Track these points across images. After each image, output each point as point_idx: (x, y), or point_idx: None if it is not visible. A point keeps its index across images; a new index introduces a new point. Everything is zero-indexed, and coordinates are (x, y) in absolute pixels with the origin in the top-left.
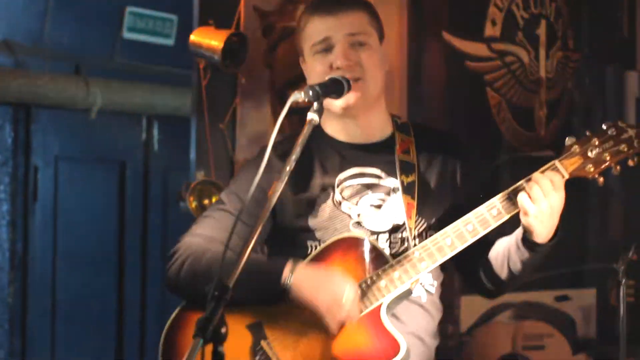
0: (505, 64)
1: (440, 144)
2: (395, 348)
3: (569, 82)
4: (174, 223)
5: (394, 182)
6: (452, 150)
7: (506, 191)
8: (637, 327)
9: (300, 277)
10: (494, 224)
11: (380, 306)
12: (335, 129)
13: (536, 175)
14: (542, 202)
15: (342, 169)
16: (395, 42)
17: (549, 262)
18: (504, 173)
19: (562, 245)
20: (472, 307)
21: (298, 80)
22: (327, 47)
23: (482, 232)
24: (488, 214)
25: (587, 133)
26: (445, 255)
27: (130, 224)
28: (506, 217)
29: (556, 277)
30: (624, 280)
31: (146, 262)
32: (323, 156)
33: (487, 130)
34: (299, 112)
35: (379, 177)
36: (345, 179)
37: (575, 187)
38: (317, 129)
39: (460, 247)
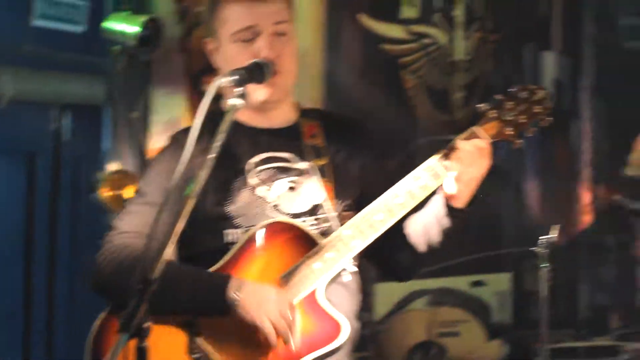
0: (422, 46)
1: (345, 130)
2: (337, 330)
3: (486, 63)
4: (85, 215)
5: (305, 165)
6: (359, 136)
7: (429, 161)
8: (554, 312)
9: (245, 296)
10: (422, 195)
11: (315, 290)
12: (242, 114)
13: (463, 142)
14: (474, 168)
15: (253, 154)
16: (311, 25)
17: (464, 247)
18: (420, 157)
19: (477, 230)
20: (387, 294)
21: (213, 67)
22: (251, 36)
23: (411, 205)
24: (415, 185)
25: (499, 97)
26: (377, 231)
27: (40, 216)
28: (434, 187)
29: (472, 263)
30: (545, 264)
31: (55, 254)
32: (233, 141)
33: (403, 114)
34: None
35: (290, 160)
36: (258, 164)
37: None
38: (223, 114)
39: (391, 221)
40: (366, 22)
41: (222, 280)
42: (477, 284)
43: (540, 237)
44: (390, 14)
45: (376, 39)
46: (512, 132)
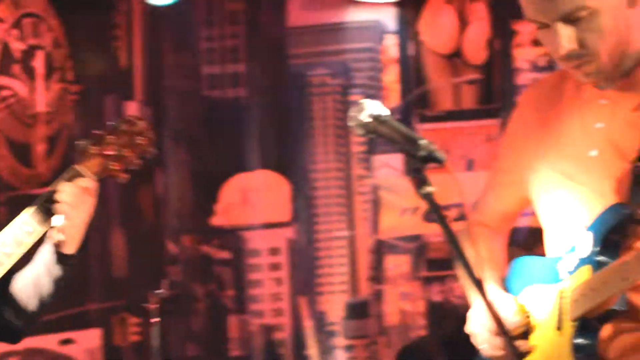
0: (1, 98)
1: None
2: None
3: (68, 114)
4: None
5: None
6: None
7: (34, 205)
8: None
9: None
10: (30, 242)
11: None
12: None
13: (66, 184)
14: (81, 209)
15: None
16: None
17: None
18: (3, 213)
19: (64, 286)
20: None
21: None
22: None
23: (19, 253)
24: (22, 232)
25: (99, 132)
26: None
27: None
28: (42, 232)
29: (59, 320)
30: (155, 318)
31: None
32: None
33: None
34: None
35: None
36: None
37: None
38: None
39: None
40: None
41: None
42: (66, 342)
43: (152, 291)
44: None
45: None
46: (117, 167)
